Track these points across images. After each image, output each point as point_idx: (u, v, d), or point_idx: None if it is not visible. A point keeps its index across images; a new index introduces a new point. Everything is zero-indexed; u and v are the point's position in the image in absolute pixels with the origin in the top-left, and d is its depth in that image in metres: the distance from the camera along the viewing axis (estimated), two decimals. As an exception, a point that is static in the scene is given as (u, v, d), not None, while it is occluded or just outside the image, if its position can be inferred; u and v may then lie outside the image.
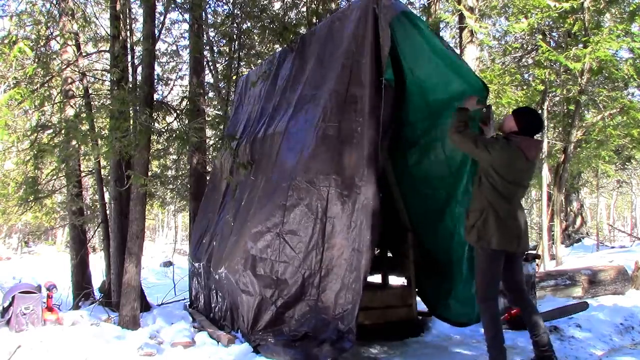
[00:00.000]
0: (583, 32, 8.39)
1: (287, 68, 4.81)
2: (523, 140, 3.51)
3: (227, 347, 3.96)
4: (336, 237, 3.59)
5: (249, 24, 7.45)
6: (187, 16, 6.58)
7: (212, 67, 7.81)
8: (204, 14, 7.27)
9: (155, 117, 5.48)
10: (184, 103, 6.69)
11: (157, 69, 6.87)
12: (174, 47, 7.87)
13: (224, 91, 7.36)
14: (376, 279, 5.63)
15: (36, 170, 6.42)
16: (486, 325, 3.42)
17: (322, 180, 3.70)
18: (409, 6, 12.79)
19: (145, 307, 5.78)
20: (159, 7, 6.15)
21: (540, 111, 10.39)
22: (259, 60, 7.47)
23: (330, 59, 4.08)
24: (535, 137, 3.67)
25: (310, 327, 3.52)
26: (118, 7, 5.86)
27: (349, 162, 3.65)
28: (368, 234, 3.38)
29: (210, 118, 8.04)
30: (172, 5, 5.85)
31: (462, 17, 8.18)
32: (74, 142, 5.90)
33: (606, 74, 9.03)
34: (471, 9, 8.01)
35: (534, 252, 8.37)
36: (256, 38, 8.04)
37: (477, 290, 3.52)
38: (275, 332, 3.65)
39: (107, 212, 6.72)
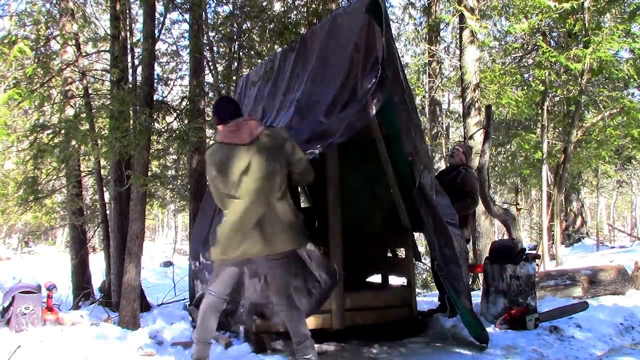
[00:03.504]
0: (583, 33, 8.39)
1: (288, 67, 4.80)
2: (222, 131, 3.26)
3: (227, 349, 3.97)
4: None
5: (248, 24, 7.45)
6: (187, 16, 6.57)
7: (212, 68, 7.81)
8: (203, 14, 7.26)
9: (155, 117, 5.49)
10: (184, 103, 6.69)
11: (157, 69, 6.87)
12: (174, 47, 7.87)
13: (223, 91, 7.35)
14: (376, 279, 5.65)
15: (36, 170, 6.41)
16: None
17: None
18: (410, 7, 12.81)
19: (145, 307, 5.78)
20: (159, 7, 6.15)
21: (540, 111, 10.41)
22: (259, 60, 7.46)
23: (335, 54, 4.05)
24: (236, 120, 3.27)
25: None
26: (118, 7, 5.85)
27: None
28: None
29: (210, 118, 8.05)
30: (172, 6, 5.85)
31: (462, 18, 8.19)
32: (73, 142, 5.89)
33: (606, 74, 9.04)
34: (472, 10, 8.02)
35: (534, 252, 8.37)
36: (256, 38, 8.03)
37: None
38: None
39: (107, 212, 6.72)
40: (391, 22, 4.17)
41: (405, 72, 4.05)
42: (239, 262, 3.28)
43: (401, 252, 5.36)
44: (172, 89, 7.25)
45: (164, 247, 25.55)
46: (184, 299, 6.60)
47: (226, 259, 3.22)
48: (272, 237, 3.12)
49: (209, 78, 7.96)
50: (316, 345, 4.13)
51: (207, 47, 7.46)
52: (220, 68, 7.94)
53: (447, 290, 4.07)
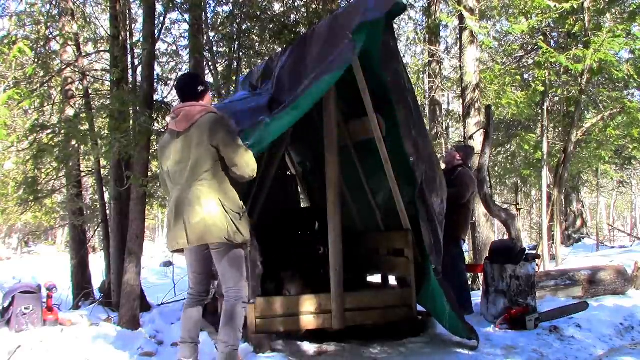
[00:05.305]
0: (583, 33, 8.39)
1: (288, 61, 4.77)
2: (169, 118, 3.19)
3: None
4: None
5: (248, 24, 7.45)
6: (187, 16, 6.58)
7: (212, 68, 7.81)
8: (203, 14, 7.26)
9: (155, 117, 5.49)
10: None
11: (157, 69, 6.87)
12: (174, 47, 7.86)
13: (223, 91, 7.34)
14: (376, 279, 5.64)
15: (36, 170, 6.41)
16: None
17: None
18: (410, 8, 12.82)
19: (145, 307, 5.78)
20: (159, 8, 6.15)
21: (540, 111, 10.41)
22: (259, 61, 7.46)
23: (332, 53, 4.04)
24: (180, 105, 3.17)
25: None
26: (118, 7, 5.85)
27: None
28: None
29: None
30: (172, 6, 5.86)
31: (462, 18, 8.19)
32: (73, 142, 5.90)
33: (607, 75, 9.04)
34: (471, 10, 8.01)
35: (534, 252, 8.37)
36: (256, 38, 8.04)
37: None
38: None
39: (107, 212, 6.71)
40: (392, 23, 4.15)
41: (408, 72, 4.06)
42: (188, 251, 3.20)
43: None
44: (172, 89, 7.25)
45: (164, 247, 25.51)
46: (184, 299, 6.59)
47: (172, 249, 3.20)
48: (196, 227, 2.97)
49: (209, 78, 7.95)
50: (316, 345, 4.16)
51: (207, 47, 7.46)
52: (220, 68, 7.93)
53: (437, 292, 4.11)
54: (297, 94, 3.59)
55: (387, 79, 3.97)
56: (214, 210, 2.98)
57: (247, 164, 3.11)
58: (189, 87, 3.21)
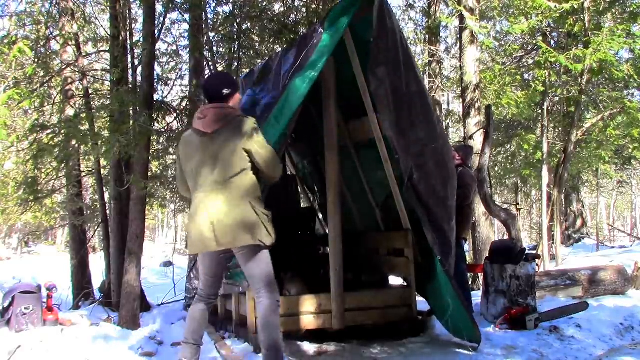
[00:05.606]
0: (583, 33, 8.39)
1: (289, 60, 4.77)
2: (195, 115, 3.14)
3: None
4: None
5: (248, 24, 7.44)
6: (187, 16, 6.58)
7: (212, 68, 7.80)
8: (203, 14, 7.26)
9: (155, 117, 5.49)
10: (184, 103, 6.69)
11: (157, 69, 6.86)
12: (174, 47, 7.86)
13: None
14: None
15: (36, 170, 6.41)
16: None
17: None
18: (410, 8, 12.81)
19: (145, 307, 5.78)
20: (159, 8, 6.15)
21: (540, 111, 10.41)
22: (259, 61, 7.46)
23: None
24: (210, 105, 3.13)
25: None
26: (118, 7, 5.85)
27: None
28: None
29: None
30: (172, 6, 5.86)
31: (462, 18, 8.18)
32: (73, 142, 5.89)
33: (607, 75, 9.03)
34: (472, 10, 8.01)
35: (534, 252, 8.37)
36: (256, 38, 8.03)
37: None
38: None
39: (107, 212, 6.71)
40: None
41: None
42: (204, 254, 3.16)
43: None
44: (172, 89, 7.25)
45: (164, 247, 25.54)
46: (184, 298, 6.59)
47: (196, 252, 3.17)
48: (228, 230, 2.94)
49: (208, 78, 7.95)
50: (316, 345, 4.16)
51: (207, 47, 7.46)
52: (220, 68, 7.92)
53: (446, 287, 4.07)
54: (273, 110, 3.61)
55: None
56: (247, 213, 2.97)
57: (277, 166, 3.17)
58: (215, 89, 3.16)
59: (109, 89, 6.61)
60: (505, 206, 9.41)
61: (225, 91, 3.12)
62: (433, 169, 4.00)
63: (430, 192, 3.97)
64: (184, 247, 20.08)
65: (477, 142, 7.73)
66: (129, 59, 5.97)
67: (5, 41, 6.48)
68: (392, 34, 3.84)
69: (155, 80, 5.79)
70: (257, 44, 8.09)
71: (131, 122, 4.93)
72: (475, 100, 8.23)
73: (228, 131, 3.01)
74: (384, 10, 3.78)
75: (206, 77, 3.44)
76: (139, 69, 5.54)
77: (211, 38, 7.72)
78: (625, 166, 14.36)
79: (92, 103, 6.89)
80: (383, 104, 3.90)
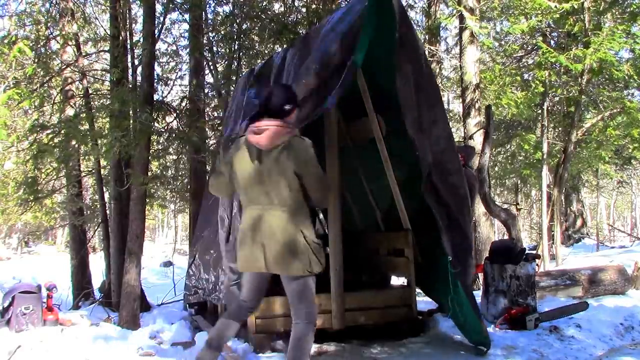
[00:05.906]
0: (583, 33, 8.39)
1: (290, 60, 4.76)
2: (250, 127, 2.99)
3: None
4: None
5: (248, 24, 7.45)
6: (187, 16, 6.59)
7: (212, 68, 7.81)
8: (203, 14, 7.27)
9: (155, 117, 5.49)
10: (184, 103, 6.70)
11: (157, 69, 6.88)
12: (174, 47, 7.87)
13: (223, 91, 7.35)
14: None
15: (36, 170, 6.42)
16: None
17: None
18: (409, 9, 12.81)
19: (145, 307, 5.79)
20: (159, 7, 6.16)
21: (540, 111, 10.41)
22: (259, 60, 7.46)
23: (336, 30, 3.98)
24: (265, 121, 2.94)
25: None
26: (118, 7, 5.86)
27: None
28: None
29: (210, 118, 8.06)
30: (172, 6, 5.86)
31: (462, 18, 8.18)
32: (73, 142, 5.90)
33: (607, 75, 9.03)
34: (471, 10, 8.00)
35: (534, 252, 8.37)
36: (256, 38, 8.04)
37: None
38: None
39: (107, 212, 6.72)
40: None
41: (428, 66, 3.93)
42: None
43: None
44: (172, 89, 7.26)
45: (164, 247, 25.55)
46: (184, 298, 6.59)
47: (244, 270, 3.09)
48: (277, 256, 2.87)
49: (209, 78, 7.96)
50: (316, 345, 4.15)
51: (207, 47, 7.46)
52: (220, 68, 7.93)
53: (456, 289, 4.04)
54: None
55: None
56: (297, 242, 2.88)
57: (327, 193, 3.08)
58: (277, 103, 3.01)
59: (109, 88, 6.62)
60: (505, 206, 9.41)
61: (287, 107, 3.02)
62: (451, 167, 3.95)
63: (450, 190, 3.92)
64: (184, 247, 20.09)
65: (477, 142, 7.74)
66: (129, 59, 5.97)
67: (5, 41, 6.49)
68: (414, 31, 3.83)
69: (155, 80, 5.80)
70: (257, 44, 8.09)
71: (131, 121, 4.93)
72: (475, 100, 8.22)
73: (284, 153, 2.89)
74: (403, 6, 3.79)
75: (266, 88, 3.30)
76: (139, 69, 5.54)
77: (211, 38, 7.73)
78: (625, 166, 14.35)
79: (92, 103, 6.90)
80: (408, 101, 3.86)
